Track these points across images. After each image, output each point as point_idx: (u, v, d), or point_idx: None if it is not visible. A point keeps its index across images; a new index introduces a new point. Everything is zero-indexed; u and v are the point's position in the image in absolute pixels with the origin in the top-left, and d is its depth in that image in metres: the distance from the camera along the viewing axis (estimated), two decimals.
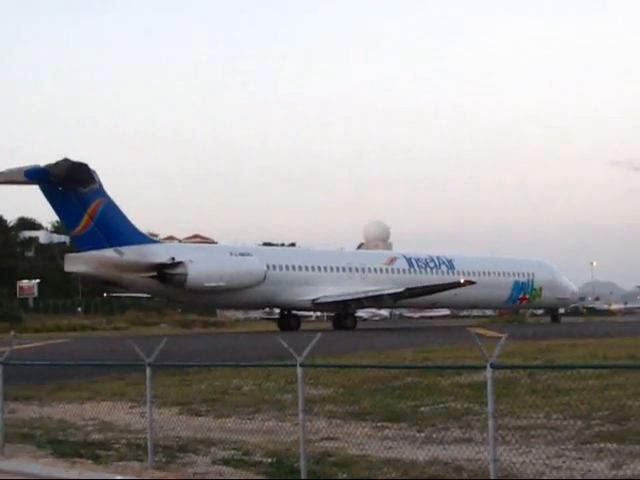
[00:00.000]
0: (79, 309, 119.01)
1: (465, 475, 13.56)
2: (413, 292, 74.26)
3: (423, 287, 75.34)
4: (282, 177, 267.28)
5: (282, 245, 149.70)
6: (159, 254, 66.53)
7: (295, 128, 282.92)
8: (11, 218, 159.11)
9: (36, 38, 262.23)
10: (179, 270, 65.59)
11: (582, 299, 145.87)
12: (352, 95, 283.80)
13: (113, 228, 64.35)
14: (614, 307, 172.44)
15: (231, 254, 70.52)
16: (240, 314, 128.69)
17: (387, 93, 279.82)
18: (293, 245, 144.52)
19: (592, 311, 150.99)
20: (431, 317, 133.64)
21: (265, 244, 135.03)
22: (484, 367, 11.95)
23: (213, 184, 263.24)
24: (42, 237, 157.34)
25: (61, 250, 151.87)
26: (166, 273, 65.57)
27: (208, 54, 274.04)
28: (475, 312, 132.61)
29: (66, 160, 61.06)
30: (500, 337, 12.75)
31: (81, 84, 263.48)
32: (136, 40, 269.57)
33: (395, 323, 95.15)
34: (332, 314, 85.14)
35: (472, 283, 74.78)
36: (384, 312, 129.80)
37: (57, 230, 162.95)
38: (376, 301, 77.45)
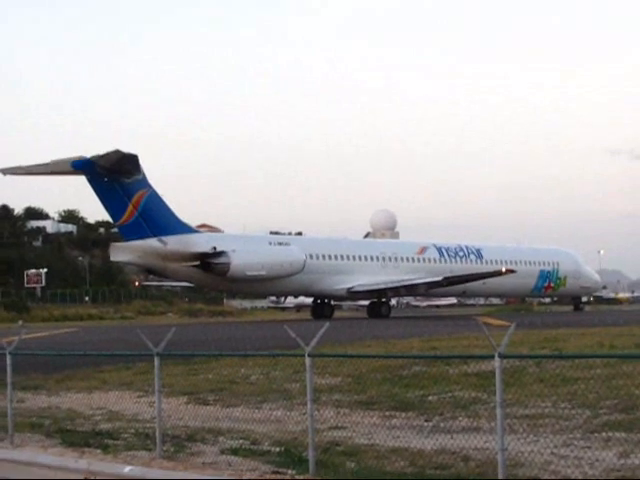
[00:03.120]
0: (87, 298, 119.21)
1: (473, 464, 13.56)
2: (451, 281, 75.32)
3: (461, 276, 76.24)
4: (287, 166, 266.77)
5: (289, 234, 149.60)
6: (201, 244, 67.70)
7: (301, 116, 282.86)
8: (18, 208, 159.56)
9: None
10: (222, 259, 66.76)
11: (604, 288, 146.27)
12: (359, 82, 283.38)
13: (157, 218, 65.50)
14: (621, 295, 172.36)
15: (270, 243, 71.56)
16: (247, 303, 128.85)
17: (394, 80, 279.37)
18: (300, 234, 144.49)
19: (599, 300, 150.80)
20: (438, 306, 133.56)
21: (272, 233, 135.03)
22: (492, 356, 11.94)
23: (219, 174, 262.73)
24: (49, 227, 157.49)
25: (68, 240, 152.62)
26: (209, 262, 66.67)
27: (218, 47, 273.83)
28: (482, 301, 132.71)
29: (117, 151, 61.95)
30: (508, 326, 12.73)
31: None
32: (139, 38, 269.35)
33: (406, 312, 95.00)
34: (365, 303, 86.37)
35: (513, 272, 75.67)
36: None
37: (64, 220, 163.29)
38: (411, 289, 78.53)
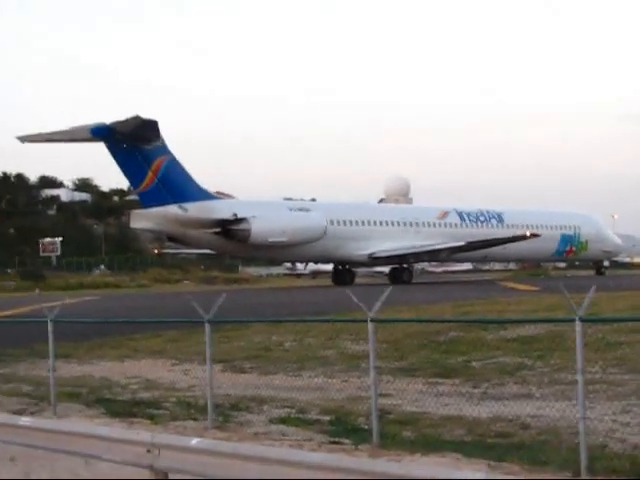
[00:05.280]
0: (102, 267, 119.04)
1: (533, 432, 13.10)
2: (474, 245, 74.73)
3: (485, 240, 75.66)
4: (297, 132, 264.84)
5: (302, 200, 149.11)
6: (222, 210, 67.22)
7: (309, 79, 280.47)
8: (32, 177, 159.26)
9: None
10: (243, 226, 66.29)
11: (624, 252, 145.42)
12: (367, 45, 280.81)
13: (176, 185, 65.06)
14: (637, 260, 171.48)
15: (290, 210, 71.13)
16: (262, 270, 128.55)
17: (395, 44, 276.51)
18: (314, 200, 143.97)
19: (615, 264, 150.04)
20: (454, 272, 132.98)
21: (286, 200, 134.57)
22: (572, 320, 11.40)
23: (231, 140, 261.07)
24: (63, 195, 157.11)
25: (82, 208, 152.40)
26: (230, 229, 66.35)
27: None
28: (497, 266, 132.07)
29: (137, 117, 61.40)
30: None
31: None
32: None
33: (423, 278, 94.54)
34: (381, 269, 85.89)
35: (537, 236, 75.02)
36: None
37: (78, 188, 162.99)
38: (433, 255, 78.00)
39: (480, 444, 12.48)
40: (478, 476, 8.16)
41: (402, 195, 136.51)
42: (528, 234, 74.16)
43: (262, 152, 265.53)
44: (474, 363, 20.02)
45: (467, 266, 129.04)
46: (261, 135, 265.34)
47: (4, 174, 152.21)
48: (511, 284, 62.89)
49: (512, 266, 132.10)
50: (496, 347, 22.17)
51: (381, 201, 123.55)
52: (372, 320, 12.56)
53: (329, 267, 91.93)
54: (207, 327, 14.48)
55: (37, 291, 78.81)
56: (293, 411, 15.49)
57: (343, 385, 18.06)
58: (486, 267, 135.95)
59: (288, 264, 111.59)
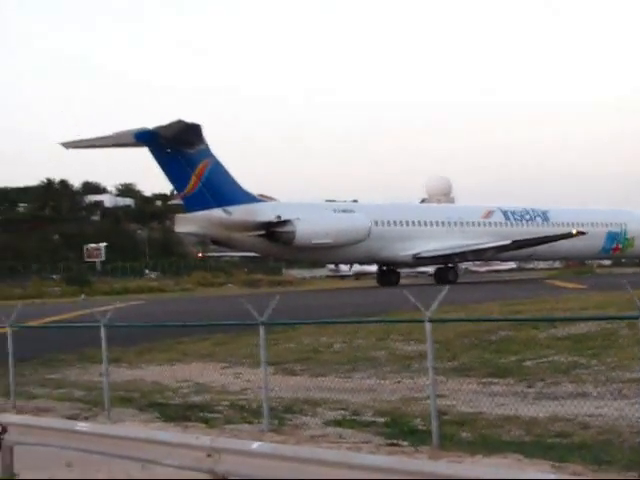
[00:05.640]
0: (147, 271, 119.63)
1: (593, 432, 12.89)
2: (520, 244, 74.21)
3: (531, 239, 75.15)
4: (335, 135, 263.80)
5: (344, 202, 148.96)
6: (265, 213, 67.30)
7: (353, 83, 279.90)
8: (75, 182, 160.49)
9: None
10: (287, 228, 66.32)
11: None
12: (410, 46, 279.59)
13: (220, 188, 65.31)
14: None
15: (334, 211, 71.10)
16: (306, 273, 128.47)
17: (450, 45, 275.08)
18: (355, 202, 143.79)
19: None
20: (498, 271, 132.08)
21: (328, 201, 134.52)
22: (636, 318, 11.17)
23: (273, 144, 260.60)
24: (107, 201, 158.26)
25: (126, 213, 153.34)
26: (274, 231, 66.39)
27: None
28: (541, 264, 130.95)
29: (180, 121, 61.74)
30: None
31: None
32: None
33: (467, 277, 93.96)
34: (425, 269, 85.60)
35: (583, 234, 74.39)
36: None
37: (121, 193, 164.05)
38: (478, 254, 77.54)
39: (540, 444, 12.29)
40: (547, 477, 7.98)
41: (444, 194, 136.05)
42: (575, 232, 73.49)
43: (301, 155, 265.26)
44: (527, 362, 19.78)
45: (511, 265, 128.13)
46: (302, 138, 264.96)
47: (48, 180, 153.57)
48: (557, 282, 62.35)
49: (557, 264, 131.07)
50: (548, 346, 21.90)
51: (423, 201, 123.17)
52: (430, 320, 12.41)
53: (373, 268, 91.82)
54: (262, 329, 14.38)
55: (82, 296, 79.22)
56: (347, 413, 15.37)
57: (396, 386, 17.93)
58: (530, 266, 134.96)
59: (331, 266, 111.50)
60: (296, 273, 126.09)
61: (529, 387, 16.94)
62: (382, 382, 18.34)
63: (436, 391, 14.98)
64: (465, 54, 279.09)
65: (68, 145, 66.78)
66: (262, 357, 14.53)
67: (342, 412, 15.42)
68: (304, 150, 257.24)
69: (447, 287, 12.96)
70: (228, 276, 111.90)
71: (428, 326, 12.40)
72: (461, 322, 23.52)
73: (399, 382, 18.39)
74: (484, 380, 17.90)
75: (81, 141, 66.98)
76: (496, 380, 17.84)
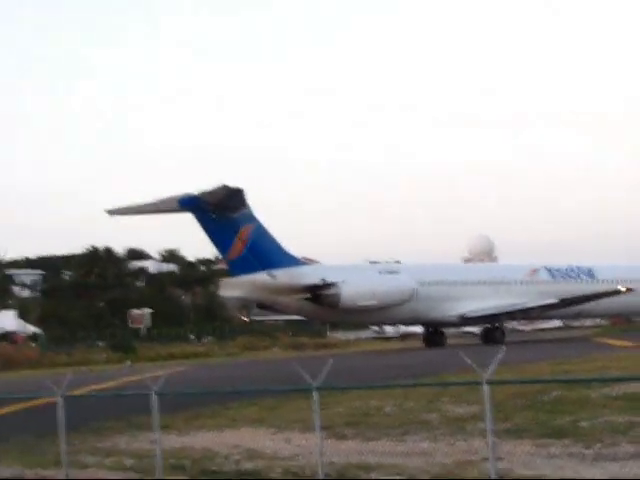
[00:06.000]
0: (192, 336, 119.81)
1: None
2: (567, 302, 73.81)
3: (579, 297, 74.65)
4: (376, 195, 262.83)
5: (387, 262, 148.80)
6: (310, 276, 67.61)
7: (391, 144, 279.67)
8: (118, 248, 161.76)
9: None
10: (332, 291, 66.61)
11: None
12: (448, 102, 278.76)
13: (264, 251, 65.85)
14: None
15: (380, 272, 71.19)
16: (350, 335, 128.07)
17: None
18: (398, 262, 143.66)
19: None
20: (543, 329, 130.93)
21: (371, 262, 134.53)
22: None
23: (307, 204, 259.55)
24: (151, 267, 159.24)
25: (170, 279, 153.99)
26: (320, 294, 66.44)
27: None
28: (588, 322, 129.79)
29: (224, 187, 62.43)
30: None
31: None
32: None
33: (513, 337, 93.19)
34: (470, 329, 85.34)
35: (631, 290, 73.78)
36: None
37: (165, 259, 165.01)
38: (526, 313, 77.17)
39: None
40: None
41: (487, 254, 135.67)
42: (624, 289, 72.85)
43: (342, 216, 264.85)
44: (582, 423, 19.45)
45: (557, 323, 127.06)
46: (338, 200, 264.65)
47: (94, 248, 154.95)
48: (605, 340, 61.68)
49: (602, 321, 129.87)
50: (602, 405, 21.60)
51: (466, 261, 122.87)
52: (489, 382, 12.23)
53: (418, 329, 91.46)
54: (315, 394, 14.25)
55: (128, 363, 79.44)
56: (403, 477, 15.15)
57: (450, 449, 17.67)
58: (576, 323, 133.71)
59: (375, 327, 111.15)
60: (340, 335, 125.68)
61: (587, 448, 16.62)
62: (436, 445, 18.09)
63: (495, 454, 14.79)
64: (501, 114, 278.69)
65: (113, 212, 67.53)
66: (316, 422, 14.36)
67: (398, 477, 15.20)
68: (339, 209, 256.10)
69: (503, 348, 12.81)
70: (273, 340, 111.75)
71: (486, 388, 12.23)
72: (521, 384, 23.30)
73: (453, 445, 18.14)
74: (539, 442, 17.59)
75: (126, 208, 67.73)
76: (551, 441, 17.53)
